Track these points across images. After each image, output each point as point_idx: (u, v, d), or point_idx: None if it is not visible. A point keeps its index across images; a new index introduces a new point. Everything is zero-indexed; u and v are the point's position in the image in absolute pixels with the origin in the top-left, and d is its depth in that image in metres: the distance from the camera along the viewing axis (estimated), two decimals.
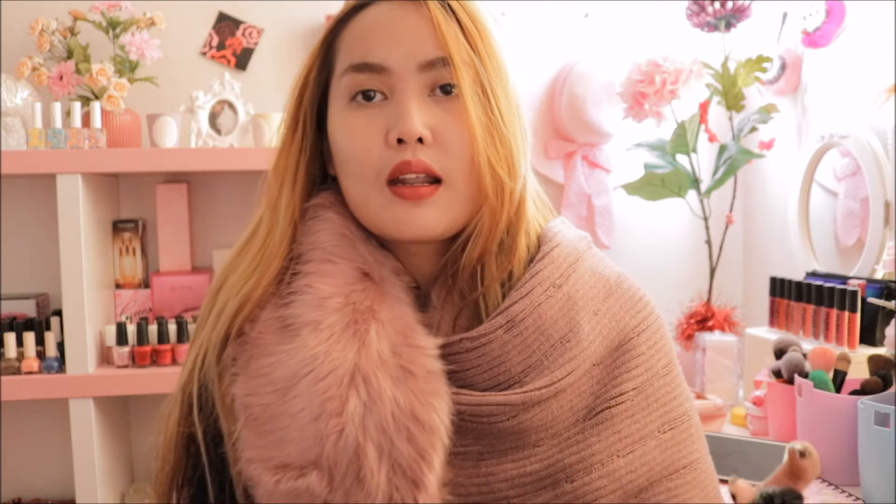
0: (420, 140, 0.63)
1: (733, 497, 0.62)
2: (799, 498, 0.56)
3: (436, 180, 0.64)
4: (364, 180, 0.65)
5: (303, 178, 0.70)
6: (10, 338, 1.53)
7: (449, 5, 0.65)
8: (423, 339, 0.63)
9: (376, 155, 0.65)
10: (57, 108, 1.52)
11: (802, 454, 0.58)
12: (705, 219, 1.80)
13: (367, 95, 0.65)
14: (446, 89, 0.65)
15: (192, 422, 0.68)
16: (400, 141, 0.63)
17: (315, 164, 0.71)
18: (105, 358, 1.61)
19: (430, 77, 0.65)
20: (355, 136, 0.65)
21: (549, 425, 0.64)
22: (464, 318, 0.67)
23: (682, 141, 1.74)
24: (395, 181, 0.64)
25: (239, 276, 0.68)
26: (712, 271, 1.83)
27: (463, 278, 0.67)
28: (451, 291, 0.68)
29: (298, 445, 0.59)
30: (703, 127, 1.74)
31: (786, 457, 0.60)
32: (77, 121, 1.54)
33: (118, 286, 1.72)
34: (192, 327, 1.58)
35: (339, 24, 0.69)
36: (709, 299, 1.82)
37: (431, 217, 0.64)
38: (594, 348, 0.66)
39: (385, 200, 0.65)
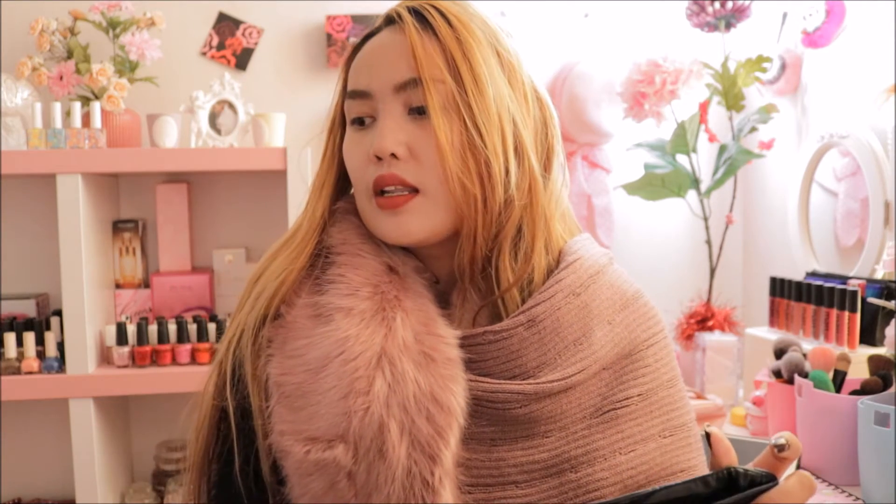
0: (395, 156, 0.70)
1: (708, 438, 0.62)
2: (772, 479, 0.55)
3: (413, 190, 0.70)
4: (360, 193, 0.73)
5: (330, 188, 0.77)
6: (10, 338, 1.53)
7: (434, 27, 0.70)
8: (443, 329, 0.69)
9: (364, 171, 0.72)
10: (57, 108, 1.52)
11: (782, 448, 0.57)
12: (705, 219, 1.80)
13: (361, 121, 0.73)
14: (421, 109, 0.70)
15: (224, 396, 0.73)
16: (380, 158, 0.70)
17: (344, 179, 0.78)
18: (105, 358, 1.61)
19: (406, 97, 0.70)
20: (351, 155, 0.74)
21: (558, 418, 0.69)
22: (483, 316, 0.73)
23: (682, 141, 1.74)
24: (379, 193, 0.71)
25: (277, 265, 0.74)
26: (712, 271, 1.83)
27: (469, 279, 0.72)
28: (468, 292, 0.74)
29: (327, 420, 0.64)
30: (703, 127, 1.74)
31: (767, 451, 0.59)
32: (77, 121, 1.54)
33: (118, 286, 1.72)
34: (192, 327, 1.59)
35: (352, 55, 0.76)
36: (709, 299, 1.82)
37: (411, 224, 0.70)
38: (604, 352, 0.71)
39: (371, 211, 0.72)
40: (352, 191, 0.78)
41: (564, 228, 0.78)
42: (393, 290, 0.70)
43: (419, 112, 0.70)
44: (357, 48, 0.76)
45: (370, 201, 0.72)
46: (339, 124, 0.77)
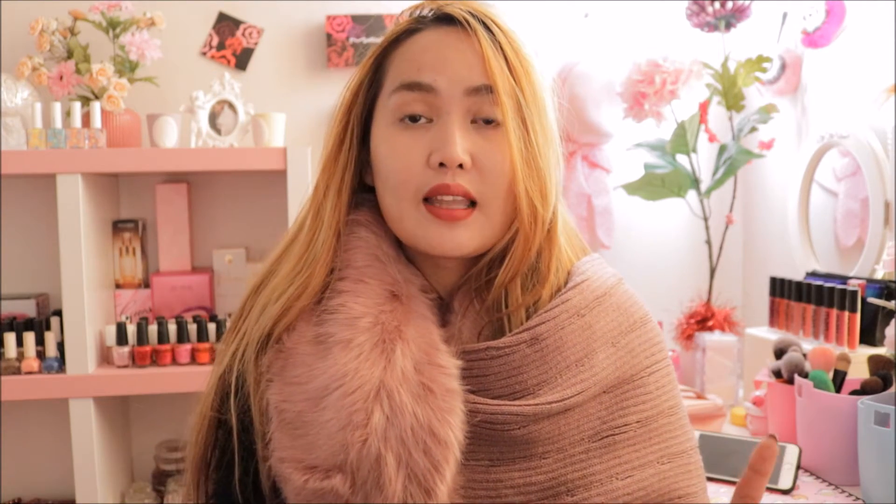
0: (460, 165, 0.68)
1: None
2: None
3: (471, 203, 0.69)
4: (402, 197, 0.70)
5: (347, 189, 0.74)
6: (10, 338, 1.53)
7: (497, 40, 0.70)
8: (444, 359, 0.68)
9: (417, 174, 0.69)
10: (57, 108, 1.52)
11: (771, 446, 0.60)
12: (705, 219, 1.80)
13: (413, 117, 0.70)
14: (488, 119, 0.69)
15: (227, 408, 0.73)
16: (441, 164, 0.68)
17: (357, 175, 0.76)
18: (105, 358, 1.61)
19: (475, 103, 0.69)
20: (398, 155, 0.70)
21: (555, 440, 0.69)
22: (487, 330, 0.73)
23: (682, 141, 1.74)
24: (430, 200, 0.69)
25: (283, 279, 0.73)
26: (712, 271, 1.83)
27: (493, 297, 0.72)
28: (473, 302, 0.73)
29: (326, 451, 0.65)
30: (703, 127, 1.74)
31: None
32: (77, 121, 1.54)
33: (118, 286, 1.72)
34: (192, 327, 1.59)
35: (391, 45, 0.73)
36: (709, 299, 1.82)
37: (465, 237, 0.69)
38: (605, 374, 0.71)
39: (420, 218, 0.69)
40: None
41: (570, 247, 0.78)
42: (394, 320, 0.69)
43: (484, 121, 0.69)
44: (396, 41, 0.73)
45: (417, 208, 0.69)
46: (359, 118, 0.74)
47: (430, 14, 0.73)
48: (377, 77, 0.74)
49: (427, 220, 0.69)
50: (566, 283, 0.74)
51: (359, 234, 0.73)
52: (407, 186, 0.69)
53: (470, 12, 0.71)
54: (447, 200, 0.68)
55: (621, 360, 0.72)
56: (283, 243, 0.77)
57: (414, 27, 0.72)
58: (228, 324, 0.78)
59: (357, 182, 0.76)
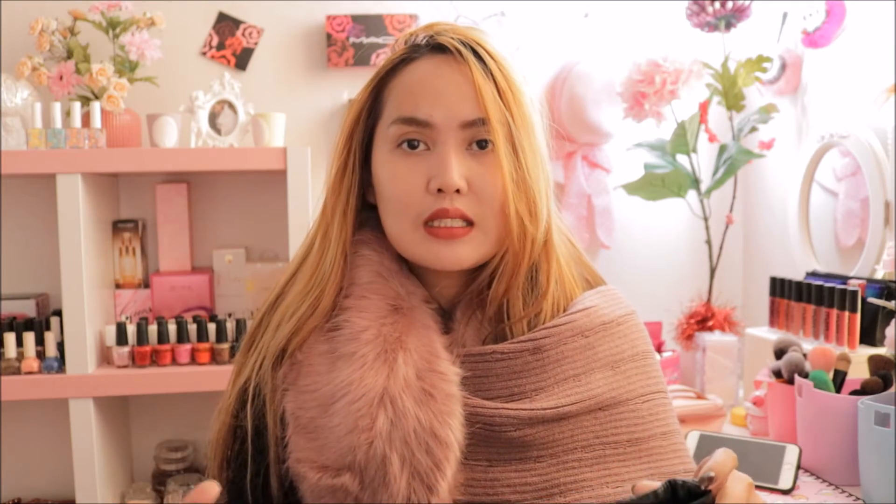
0: (457, 190, 0.72)
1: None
2: (707, 491, 0.56)
3: (470, 223, 0.74)
4: (403, 219, 0.75)
5: (352, 210, 0.79)
6: (10, 338, 1.53)
7: (488, 67, 0.74)
8: (444, 366, 0.73)
9: (417, 199, 0.74)
10: (57, 108, 1.52)
11: (711, 481, 0.58)
12: (705, 219, 1.80)
13: (412, 144, 0.74)
14: (482, 144, 0.74)
15: (244, 415, 0.78)
16: (440, 190, 0.72)
17: (360, 195, 0.80)
18: (105, 358, 1.61)
19: (469, 133, 0.74)
20: (399, 181, 0.75)
21: (549, 445, 0.73)
22: (490, 338, 0.77)
23: (682, 141, 1.74)
24: (430, 223, 0.74)
25: (295, 297, 0.78)
26: (712, 271, 1.83)
27: (492, 309, 0.77)
28: (475, 313, 0.78)
29: (336, 452, 0.70)
30: (703, 127, 1.74)
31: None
32: (77, 121, 1.54)
33: (118, 286, 1.72)
34: (192, 327, 1.59)
35: (388, 74, 0.77)
36: (709, 299, 1.82)
37: (463, 253, 0.74)
38: (599, 392, 0.75)
39: (420, 238, 0.74)
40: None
41: (571, 271, 0.81)
42: (395, 332, 0.73)
43: (478, 146, 0.74)
44: (392, 69, 0.77)
45: (417, 229, 0.74)
46: (361, 142, 0.79)
47: (424, 42, 0.76)
48: (376, 104, 0.78)
49: (427, 240, 0.74)
50: (568, 307, 0.78)
51: (362, 253, 0.78)
52: (408, 210, 0.74)
53: (461, 41, 0.74)
54: (446, 223, 0.73)
55: (618, 384, 0.76)
56: (295, 261, 0.82)
57: (409, 56, 0.76)
58: (245, 337, 0.84)
59: (360, 202, 0.80)
